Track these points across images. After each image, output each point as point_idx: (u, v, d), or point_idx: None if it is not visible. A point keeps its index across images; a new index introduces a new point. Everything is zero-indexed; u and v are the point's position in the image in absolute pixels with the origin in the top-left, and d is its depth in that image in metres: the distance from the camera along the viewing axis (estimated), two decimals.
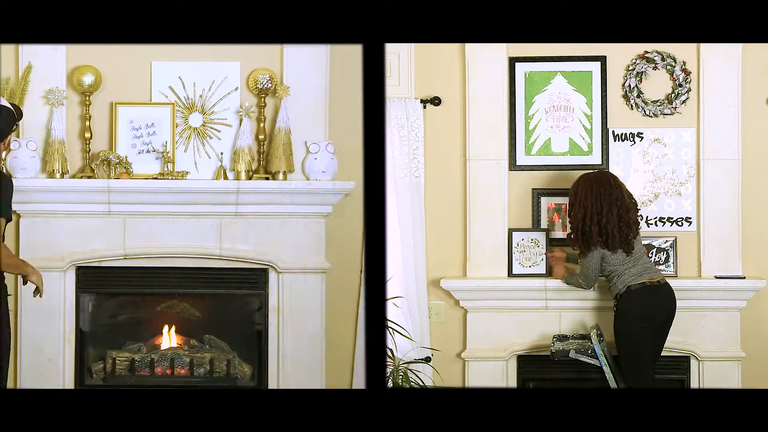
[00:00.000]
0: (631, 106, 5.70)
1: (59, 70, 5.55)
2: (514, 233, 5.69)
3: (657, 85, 5.70)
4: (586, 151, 5.72)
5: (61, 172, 5.50)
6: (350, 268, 5.64)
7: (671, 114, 5.68)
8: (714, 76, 5.64)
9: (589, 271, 5.32)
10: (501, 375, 5.67)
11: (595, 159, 5.71)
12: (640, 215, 5.44)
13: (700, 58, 5.65)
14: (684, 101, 5.68)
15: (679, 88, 5.67)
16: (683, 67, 5.67)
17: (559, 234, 5.71)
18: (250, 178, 5.60)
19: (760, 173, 5.65)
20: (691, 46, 5.66)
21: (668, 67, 5.68)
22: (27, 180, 5.46)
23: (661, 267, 5.62)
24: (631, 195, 5.37)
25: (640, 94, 5.69)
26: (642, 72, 5.69)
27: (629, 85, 5.69)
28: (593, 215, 5.24)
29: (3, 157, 5.27)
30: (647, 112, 5.68)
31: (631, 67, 5.70)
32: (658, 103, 5.68)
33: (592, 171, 5.43)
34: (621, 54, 5.71)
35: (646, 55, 5.69)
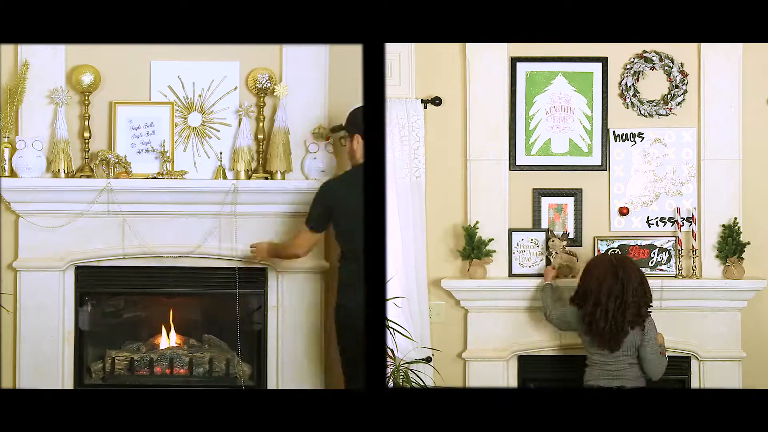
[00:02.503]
0: (627, 105, 5.70)
1: (58, 69, 5.55)
2: (513, 233, 5.68)
3: (654, 85, 5.70)
4: (585, 152, 5.72)
5: (66, 171, 5.50)
6: None
7: (666, 115, 5.68)
8: (714, 76, 5.64)
9: (546, 304, 5.39)
10: (502, 375, 5.67)
11: (595, 160, 5.71)
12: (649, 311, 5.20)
13: (700, 58, 5.65)
14: (680, 102, 5.67)
15: (676, 90, 5.67)
16: (681, 68, 5.66)
17: (559, 234, 5.70)
18: (249, 178, 5.60)
19: (761, 173, 5.65)
20: (691, 46, 5.66)
21: (666, 68, 5.67)
22: (26, 180, 5.45)
23: (662, 267, 5.62)
24: (643, 282, 5.19)
25: (636, 93, 5.69)
26: (639, 71, 5.69)
27: (626, 84, 5.69)
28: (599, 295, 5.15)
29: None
30: (642, 112, 5.68)
31: (628, 66, 5.69)
32: (654, 104, 5.68)
33: (612, 254, 5.38)
34: (622, 54, 5.71)
35: (644, 55, 5.68)
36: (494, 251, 5.62)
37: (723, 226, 5.59)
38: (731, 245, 5.53)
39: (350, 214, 5.14)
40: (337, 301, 5.27)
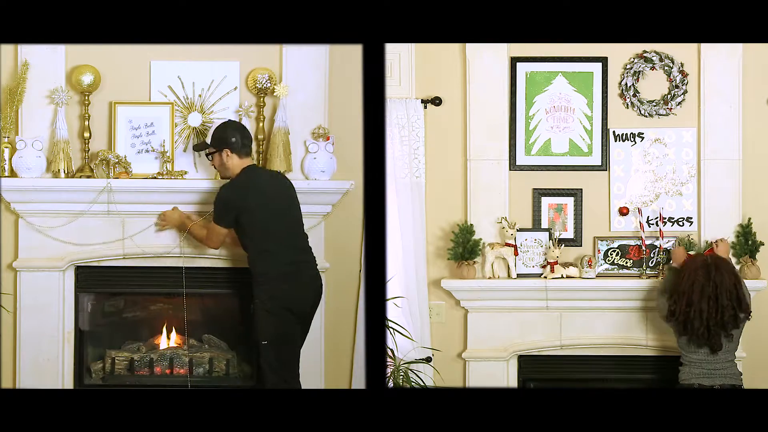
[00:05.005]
0: (627, 105, 5.70)
1: (58, 69, 5.55)
2: (517, 233, 5.66)
3: (654, 85, 5.70)
4: (586, 151, 5.72)
5: (66, 171, 5.49)
6: (350, 268, 5.64)
7: (666, 115, 5.68)
8: (714, 76, 5.64)
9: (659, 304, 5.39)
10: (501, 375, 5.67)
11: (595, 160, 5.71)
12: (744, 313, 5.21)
13: (700, 58, 5.65)
14: (680, 102, 5.68)
15: (676, 89, 5.67)
16: (681, 68, 5.66)
17: (559, 234, 5.70)
18: None
19: (761, 173, 5.65)
20: (692, 46, 5.66)
21: (666, 68, 5.67)
22: (26, 180, 5.45)
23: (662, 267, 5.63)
24: (737, 285, 5.18)
25: (636, 93, 5.69)
26: (639, 71, 5.69)
27: (626, 84, 5.69)
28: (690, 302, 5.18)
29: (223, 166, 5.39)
30: (642, 112, 5.68)
31: (628, 66, 5.69)
32: (654, 104, 5.68)
33: (709, 254, 5.34)
34: (622, 54, 5.71)
35: (644, 55, 5.68)
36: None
37: (740, 226, 5.58)
38: (746, 245, 5.53)
39: (263, 215, 5.24)
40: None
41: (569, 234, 5.71)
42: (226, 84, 5.65)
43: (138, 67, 5.61)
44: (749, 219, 5.58)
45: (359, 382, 5.58)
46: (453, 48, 5.70)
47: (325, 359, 5.66)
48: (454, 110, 5.72)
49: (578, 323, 5.64)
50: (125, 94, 5.61)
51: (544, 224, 5.72)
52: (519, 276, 5.65)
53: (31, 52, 5.50)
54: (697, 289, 5.15)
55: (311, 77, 5.64)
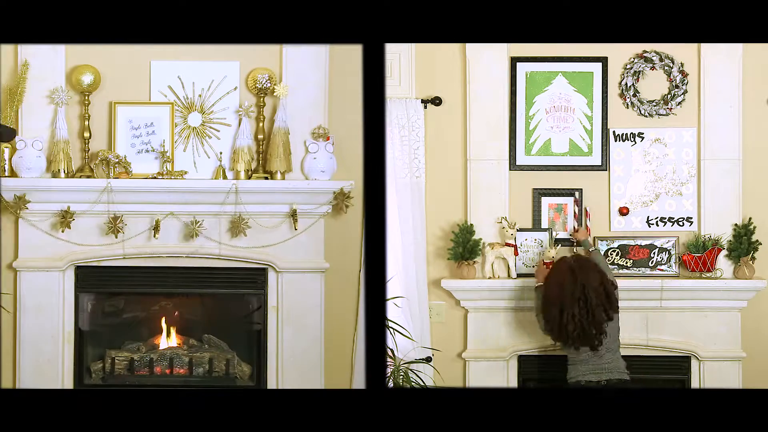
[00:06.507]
0: (627, 104, 5.70)
1: (58, 69, 5.55)
2: (518, 233, 5.67)
3: (654, 85, 5.70)
4: (586, 151, 5.72)
5: (66, 171, 5.50)
6: (350, 268, 5.64)
7: (666, 115, 5.68)
8: (714, 76, 5.64)
9: (537, 305, 5.38)
10: (501, 375, 5.67)
11: (595, 160, 5.71)
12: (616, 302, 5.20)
13: (700, 58, 5.66)
14: (680, 102, 5.68)
15: (676, 89, 5.67)
16: (681, 68, 5.67)
17: (559, 234, 5.70)
18: (249, 178, 5.60)
19: (761, 173, 5.65)
20: (692, 46, 5.66)
21: (666, 68, 5.68)
22: (26, 180, 5.45)
23: (663, 267, 5.62)
24: (604, 282, 5.17)
25: (636, 93, 5.69)
26: (639, 71, 5.69)
27: (626, 84, 5.69)
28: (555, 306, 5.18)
29: None
30: (642, 112, 5.69)
31: (628, 66, 5.70)
32: (654, 103, 5.68)
33: (571, 257, 5.37)
34: (622, 54, 5.71)
35: (644, 55, 5.68)
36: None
37: (736, 225, 5.59)
38: (744, 245, 5.53)
39: None
40: None
41: (569, 234, 5.71)
42: (226, 84, 5.66)
43: (138, 67, 5.62)
44: (749, 219, 5.58)
45: (359, 382, 5.58)
46: (453, 48, 5.70)
47: (325, 359, 5.66)
48: (454, 110, 5.73)
49: None
50: (125, 94, 5.61)
51: (544, 224, 5.72)
52: (519, 276, 5.66)
53: (31, 52, 5.50)
54: (567, 293, 5.13)
55: (311, 77, 5.64)
